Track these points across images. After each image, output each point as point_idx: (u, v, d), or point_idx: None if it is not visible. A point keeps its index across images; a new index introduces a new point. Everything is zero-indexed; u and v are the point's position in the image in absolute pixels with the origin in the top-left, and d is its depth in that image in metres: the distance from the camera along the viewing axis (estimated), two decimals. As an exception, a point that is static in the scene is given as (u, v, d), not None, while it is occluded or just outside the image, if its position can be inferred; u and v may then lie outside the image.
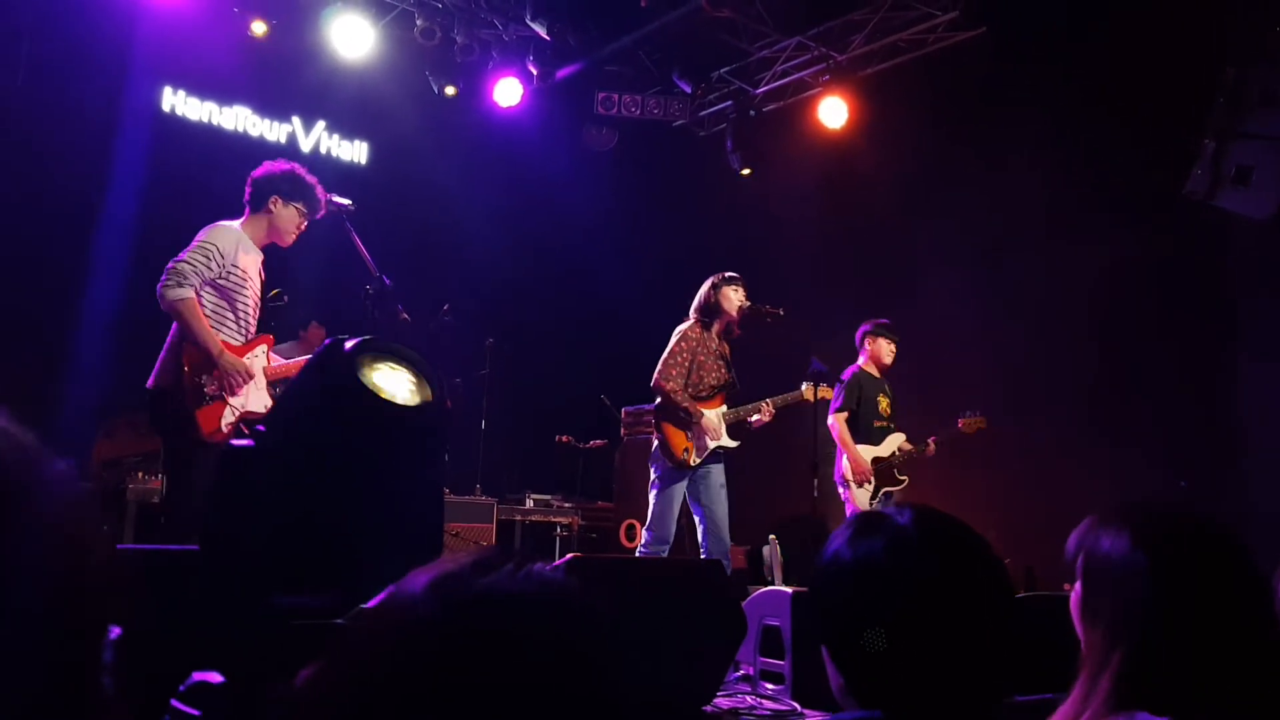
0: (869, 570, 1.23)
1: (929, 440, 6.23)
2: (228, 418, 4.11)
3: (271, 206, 4.35)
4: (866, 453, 6.13)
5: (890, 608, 1.20)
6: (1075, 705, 1.38)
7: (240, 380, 4.12)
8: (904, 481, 6.18)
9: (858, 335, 6.38)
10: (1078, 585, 1.46)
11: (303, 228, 4.45)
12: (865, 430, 6.15)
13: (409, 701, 0.65)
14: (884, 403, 6.28)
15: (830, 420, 6.17)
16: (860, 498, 6.10)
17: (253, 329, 4.35)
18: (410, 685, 0.66)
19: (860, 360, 6.35)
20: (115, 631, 0.68)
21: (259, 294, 4.40)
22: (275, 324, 5.06)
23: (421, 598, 0.70)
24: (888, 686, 1.20)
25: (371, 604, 0.95)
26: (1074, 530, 1.48)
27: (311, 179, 4.42)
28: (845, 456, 6.14)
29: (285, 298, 4.95)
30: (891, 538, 1.24)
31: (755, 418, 5.57)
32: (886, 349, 6.32)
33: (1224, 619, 1.31)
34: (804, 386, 5.64)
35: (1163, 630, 1.32)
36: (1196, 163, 5.51)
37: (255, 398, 4.21)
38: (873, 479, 6.07)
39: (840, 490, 6.19)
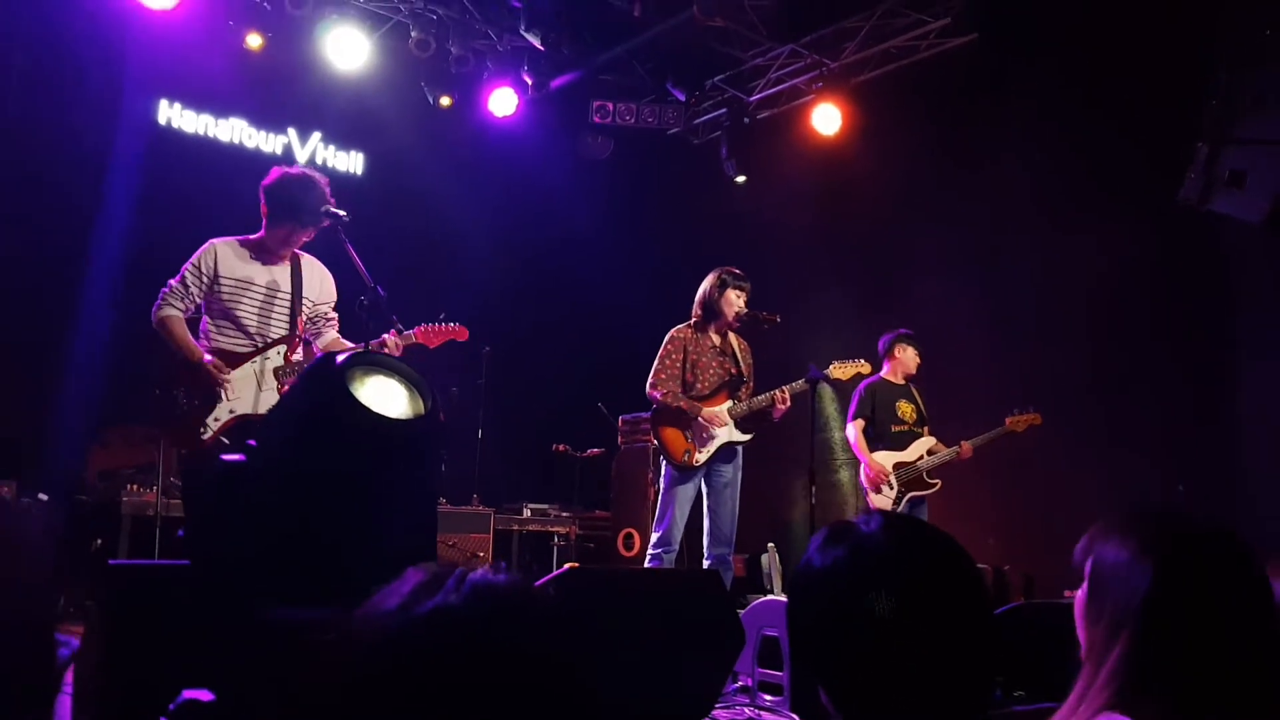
0: (836, 578, 1.22)
1: (960, 444, 6.24)
2: (207, 429, 4.18)
3: (265, 218, 4.43)
4: (888, 458, 6.20)
5: (856, 616, 1.19)
6: (1076, 699, 1.38)
7: (210, 374, 4.18)
8: (935, 485, 6.24)
9: (882, 344, 6.43)
10: (1083, 588, 1.46)
11: (295, 239, 4.46)
12: (884, 436, 6.28)
13: (373, 715, 0.71)
14: (906, 409, 6.36)
15: (847, 428, 6.36)
16: (879, 503, 6.16)
17: (276, 333, 4.39)
18: (371, 703, 0.71)
19: (884, 370, 6.41)
20: (71, 647, 0.72)
21: (284, 297, 4.43)
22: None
23: (374, 624, 0.75)
24: (865, 697, 1.18)
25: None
26: (1082, 536, 1.48)
27: (307, 181, 4.39)
28: (863, 463, 6.26)
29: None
30: (855, 546, 1.22)
31: (779, 407, 5.49)
32: (913, 357, 6.44)
33: (1225, 620, 1.31)
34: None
35: (1163, 627, 1.31)
36: (1190, 167, 5.50)
37: (263, 400, 4.28)
38: (893, 483, 6.11)
39: (866, 496, 6.28)
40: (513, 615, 0.76)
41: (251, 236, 4.46)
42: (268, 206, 4.40)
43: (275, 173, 4.44)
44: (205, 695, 1.37)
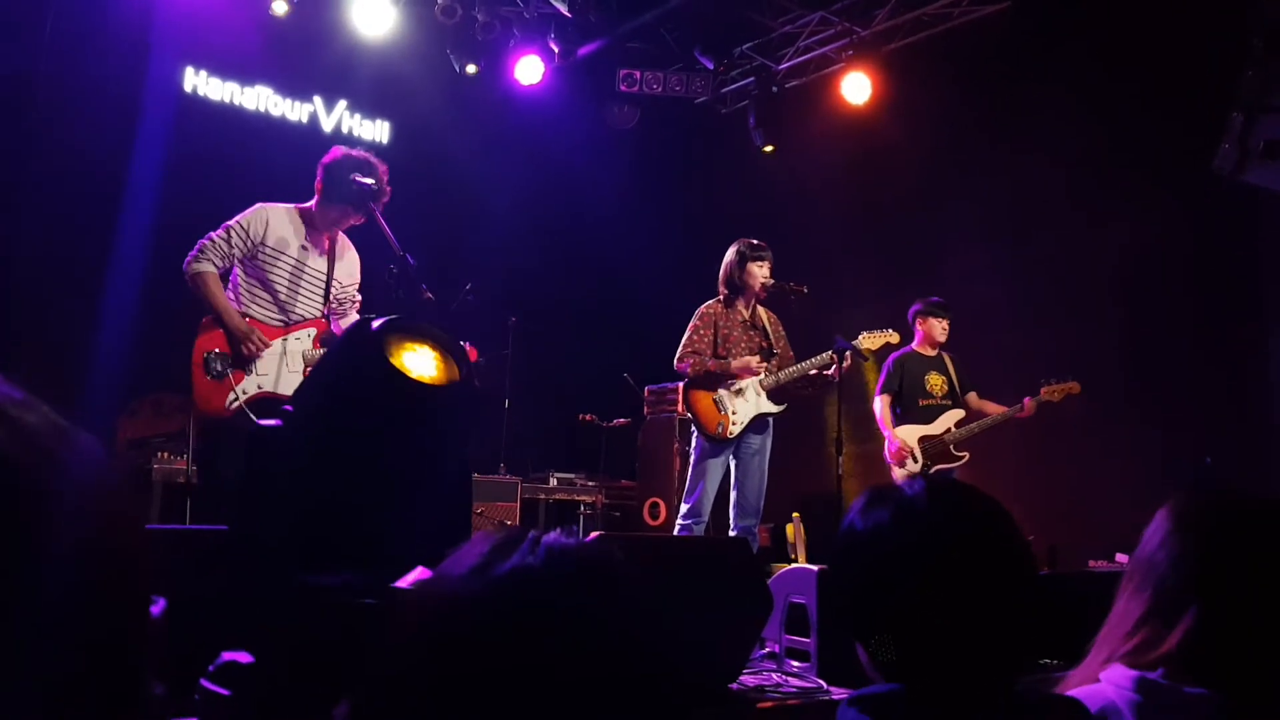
0: (879, 541, 1.23)
1: (1024, 400, 6.05)
2: (236, 398, 4.09)
3: (319, 194, 4.39)
4: (914, 432, 6.15)
5: (900, 577, 1.20)
6: (1095, 650, 1.40)
7: (252, 348, 4.12)
8: (963, 458, 6.13)
9: (909, 315, 6.36)
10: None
11: (346, 221, 4.43)
12: (912, 410, 6.19)
13: (455, 677, 0.71)
14: (935, 381, 6.27)
15: (875, 401, 6.28)
16: (903, 477, 6.08)
17: (307, 312, 4.36)
18: (453, 665, 0.72)
19: (914, 342, 6.34)
20: (159, 605, 0.70)
21: (319, 275, 4.40)
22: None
23: (452, 586, 0.76)
24: (906, 659, 1.19)
25: (404, 583, 0.96)
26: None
27: (367, 166, 4.31)
28: (887, 437, 6.22)
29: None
30: (898, 507, 1.24)
31: (831, 369, 5.40)
32: (939, 327, 6.32)
33: (1246, 580, 1.32)
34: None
35: (1179, 590, 1.33)
36: (1224, 137, 5.41)
37: (285, 380, 4.21)
38: (918, 458, 6.06)
39: (891, 471, 6.24)
40: (592, 576, 0.76)
41: (302, 206, 4.43)
42: (323, 184, 4.35)
43: (336, 151, 4.38)
44: (244, 657, 1.38)
